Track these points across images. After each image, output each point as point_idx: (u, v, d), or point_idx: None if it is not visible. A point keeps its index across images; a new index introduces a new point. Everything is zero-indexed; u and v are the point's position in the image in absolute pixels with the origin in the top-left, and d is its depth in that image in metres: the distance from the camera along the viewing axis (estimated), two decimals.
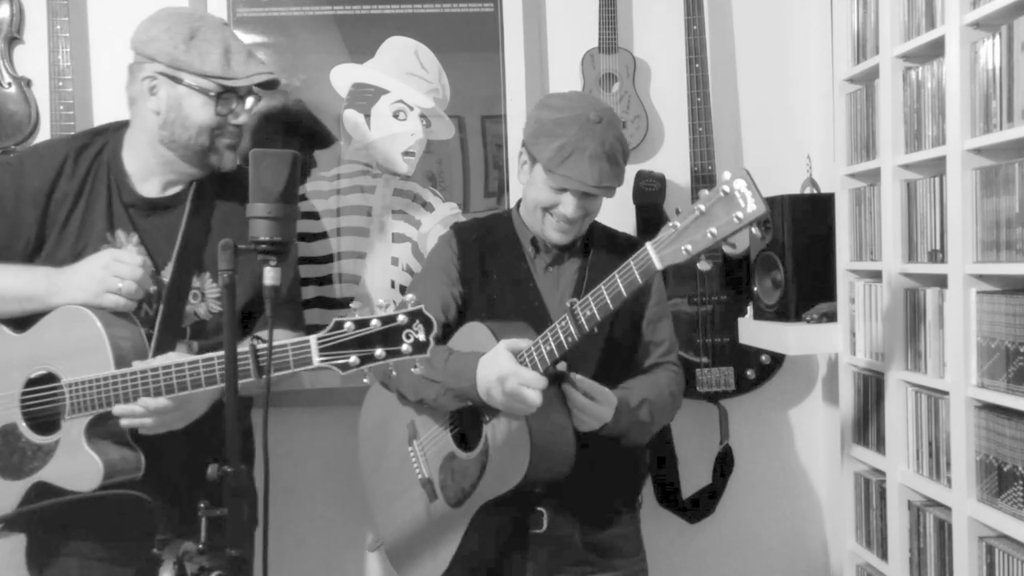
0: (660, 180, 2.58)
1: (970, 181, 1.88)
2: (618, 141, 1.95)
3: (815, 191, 2.61)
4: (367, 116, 2.59)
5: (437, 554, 2.00)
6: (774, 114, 2.72)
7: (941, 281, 2.00)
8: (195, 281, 1.96)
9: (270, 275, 1.40)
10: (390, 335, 1.54)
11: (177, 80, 1.90)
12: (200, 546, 1.36)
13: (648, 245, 1.62)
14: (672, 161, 2.65)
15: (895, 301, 2.15)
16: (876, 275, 2.25)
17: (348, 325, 1.56)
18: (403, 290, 2.56)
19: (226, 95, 1.92)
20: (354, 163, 2.60)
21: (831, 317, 2.41)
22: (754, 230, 1.56)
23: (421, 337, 1.54)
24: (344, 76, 2.59)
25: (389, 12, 2.60)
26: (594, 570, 2.04)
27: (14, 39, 2.49)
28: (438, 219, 2.60)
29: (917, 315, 2.09)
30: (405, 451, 2.07)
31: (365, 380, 1.59)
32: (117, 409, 1.77)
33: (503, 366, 1.76)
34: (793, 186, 2.63)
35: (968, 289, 1.89)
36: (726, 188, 1.52)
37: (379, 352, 1.54)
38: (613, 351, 2.02)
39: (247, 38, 2.57)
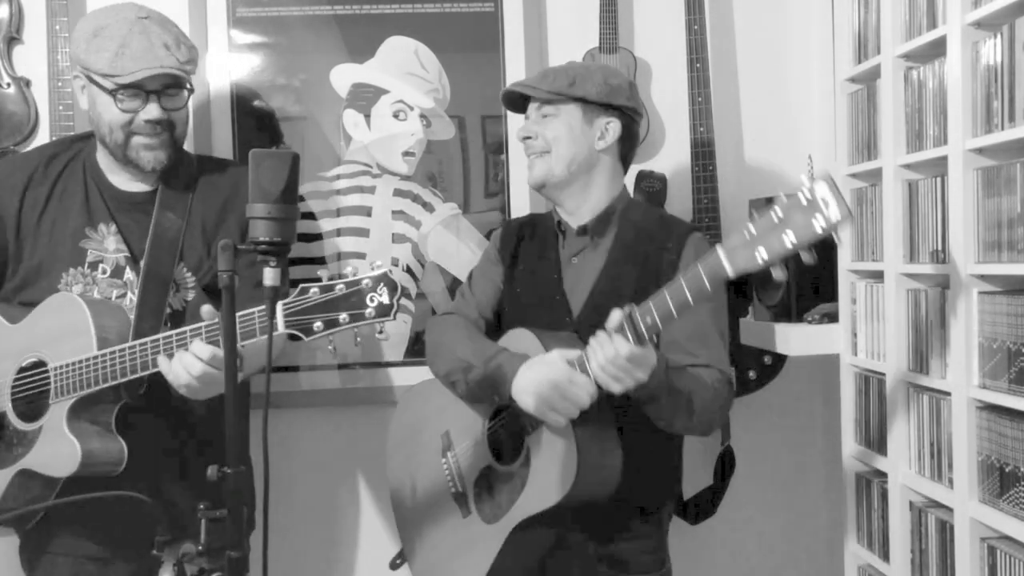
0: (661, 180, 2.57)
1: (972, 181, 1.88)
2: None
3: None
4: (367, 116, 2.59)
5: (469, 571, 1.94)
6: (775, 114, 2.72)
7: (943, 281, 2.00)
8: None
9: (269, 275, 1.39)
10: (354, 299, 1.53)
11: (90, 79, 1.91)
12: (200, 547, 1.36)
13: (719, 248, 1.51)
14: (673, 161, 2.65)
15: (897, 302, 2.15)
16: (878, 275, 2.25)
17: (313, 290, 1.55)
18: (404, 291, 2.56)
19: (123, 92, 1.89)
20: (354, 163, 2.59)
21: (832, 318, 2.41)
22: (804, 255, 1.43)
23: (384, 300, 1.53)
24: (344, 76, 2.58)
25: (389, 12, 2.59)
26: None
27: (13, 39, 2.48)
28: (438, 219, 2.59)
29: (919, 316, 2.09)
30: (438, 462, 2.03)
31: (330, 347, 1.58)
32: (163, 366, 1.71)
33: (558, 368, 1.73)
34: (794, 186, 2.62)
35: (970, 289, 1.89)
36: (808, 195, 1.41)
37: (343, 317, 1.54)
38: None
39: (247, 38, 2.56)
